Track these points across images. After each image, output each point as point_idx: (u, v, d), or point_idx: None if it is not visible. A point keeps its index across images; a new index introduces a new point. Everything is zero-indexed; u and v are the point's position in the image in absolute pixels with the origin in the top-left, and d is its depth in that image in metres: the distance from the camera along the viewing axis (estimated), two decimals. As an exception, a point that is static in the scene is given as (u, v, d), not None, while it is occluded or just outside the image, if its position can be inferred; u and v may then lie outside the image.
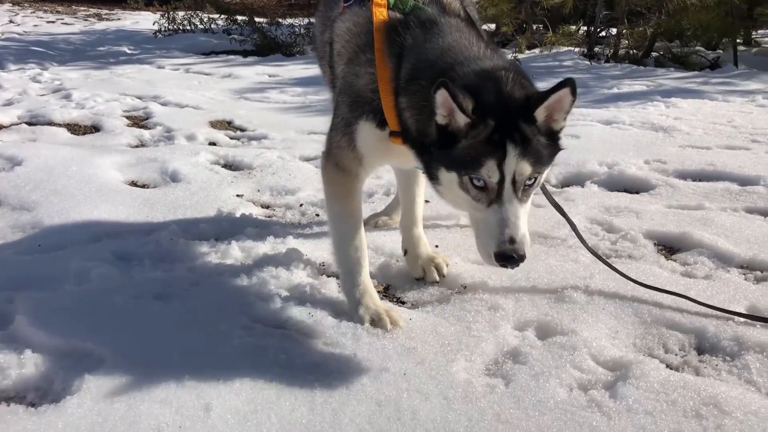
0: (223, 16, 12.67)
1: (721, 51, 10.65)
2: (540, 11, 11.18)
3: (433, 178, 1.95)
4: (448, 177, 1.87)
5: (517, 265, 1.82)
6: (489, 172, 1.78)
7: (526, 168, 1.80)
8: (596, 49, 10.13)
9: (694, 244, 2.96)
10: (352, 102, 2.13)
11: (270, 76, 8.85)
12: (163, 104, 6.57)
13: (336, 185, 2.26)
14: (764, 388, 1.89)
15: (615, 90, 7.16)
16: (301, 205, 3.52)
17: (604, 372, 1.93)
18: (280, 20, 12.69)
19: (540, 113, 1.80)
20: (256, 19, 12.34)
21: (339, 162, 2.23)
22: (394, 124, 2.04)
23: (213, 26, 13.04)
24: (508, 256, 1.79)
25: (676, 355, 2.09)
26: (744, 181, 3.92)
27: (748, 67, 9.21)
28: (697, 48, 10.68)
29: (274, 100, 7.11)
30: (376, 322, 2.13)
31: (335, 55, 2.26)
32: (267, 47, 11.26)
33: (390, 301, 2.45)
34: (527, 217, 1.86)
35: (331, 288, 2.45)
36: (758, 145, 4.75)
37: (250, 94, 7.44)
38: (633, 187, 3.97)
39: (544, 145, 1.83)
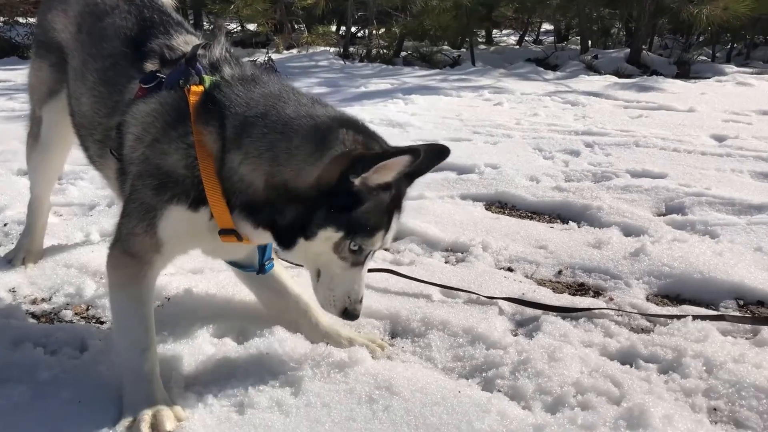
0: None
1: (464, 49, 11.60)
2: (298, 11, 11.33)
3: (306, 237, 1.74)
4: (327, 236, 1.73)
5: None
6: (379, 241, 1.79)
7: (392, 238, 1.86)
8: (351, 49, 10.51)
9: (408, 233, 3.15)
10: (159, 184, 1.83)
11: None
12: None
13: (122, 270, 1.91)
14: (440, 362, 2.05)
15: (363, 89, 7.47)
16: (5, 224, 3.19)
17: (293, 367, 1.94)
18: (20, 19, 11.47)
19: None
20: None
21: (130, 249, 1.88)
22: (221, 207, 1.79)
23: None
24: (354, 314, 1.89)
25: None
26: (462, 170, 4.27)
27: (484, 64, 10.12)
28: (443, 47, 11.53)
29: (1, 107, 6.42)
30: (157, 419, 1.69)
31: (132, 140, 1.92)
32: (0, 49, 10.16)
33: (89, 322, 2.29)
34: None
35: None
36: (478, 136, 5.21)
37: (-31, 102, 6.65)
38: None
39: None
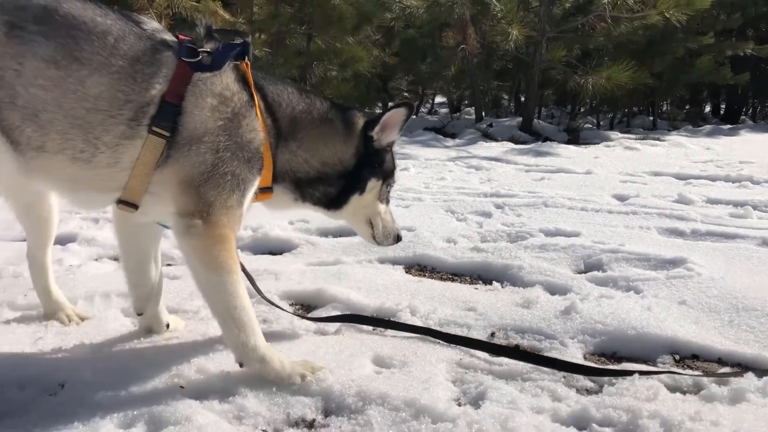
0: None
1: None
2: None
3: (361, 192, 2.36)
4: (372, 186, 2.37)
5: None
6: (397, 178, 2.49)
7: None
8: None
9: (328, 299, 2.94)
10: (251, 157, 2.05)
11: None
12: None
13: (222, 250, 2.00)
14: (384, 441, 1.83)
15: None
16: None
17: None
18: None
19: None
20: None
21: (223, 224, 1.99)
22: (269, 179, 2.18)
23: None
24: (401, 236, 2.60)
25: (304, 423, 1.95)
26: (377, 234, 4.13)
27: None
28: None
29: None
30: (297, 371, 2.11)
31: (207, 110, 1.98)
32: None
33: None
34: None
35: None
36: (390, 200, 5.12)
37: None
38: (277, 248, 3.94)
39: None
